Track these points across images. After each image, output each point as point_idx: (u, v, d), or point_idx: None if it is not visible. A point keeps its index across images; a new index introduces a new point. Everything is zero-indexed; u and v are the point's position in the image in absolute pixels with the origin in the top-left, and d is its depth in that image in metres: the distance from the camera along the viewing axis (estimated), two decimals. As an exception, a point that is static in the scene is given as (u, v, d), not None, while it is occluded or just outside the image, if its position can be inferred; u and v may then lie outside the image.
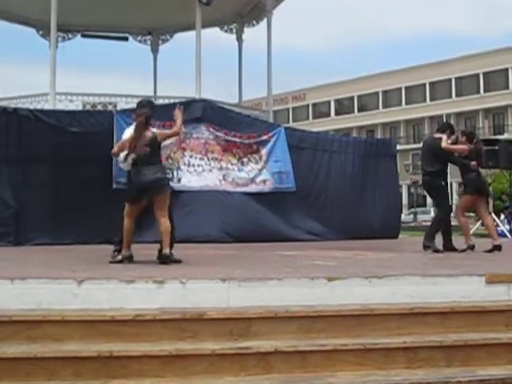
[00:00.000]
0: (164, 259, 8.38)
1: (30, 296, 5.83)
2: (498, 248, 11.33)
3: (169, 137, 9.07)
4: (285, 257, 10.34)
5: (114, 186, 12.99)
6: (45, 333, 5.44)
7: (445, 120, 61.27)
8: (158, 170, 8.64)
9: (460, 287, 6.51)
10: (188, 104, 15.71)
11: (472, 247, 11.46)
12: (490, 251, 11.23)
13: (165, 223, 8.54)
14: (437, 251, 11.17)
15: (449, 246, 11.58)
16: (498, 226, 22.45)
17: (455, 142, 11.79)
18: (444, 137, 11.63)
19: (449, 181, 12.12)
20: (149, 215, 8.82)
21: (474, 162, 11.42)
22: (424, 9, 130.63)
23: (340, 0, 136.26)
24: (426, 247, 11.37)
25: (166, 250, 8.45)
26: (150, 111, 8.85)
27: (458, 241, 11.87)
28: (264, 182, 16.16)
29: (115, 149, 8.98)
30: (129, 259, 8.64)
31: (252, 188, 15.94)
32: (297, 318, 5.81)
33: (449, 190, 11.96)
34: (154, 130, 9.22)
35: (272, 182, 16.25)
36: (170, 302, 5.92)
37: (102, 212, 13.11)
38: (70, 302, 5.82)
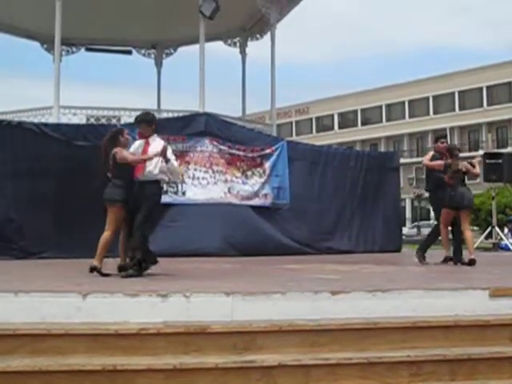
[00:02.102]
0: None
1: (34, 309, 5.84)
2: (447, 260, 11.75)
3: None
4: (288, 270, 10.35)
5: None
6: (49, 346, 5.45)
7: (448, 134, 61.47)
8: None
9: (464, 301, 6.51)
10: (192, 118, 15.77)
11: (446, 260, 11.58)
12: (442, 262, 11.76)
13: None
14: (424, 263, 11.90)
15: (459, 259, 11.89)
16: (501, 239, 22.45)
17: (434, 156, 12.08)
18: (429, 153, 12.37)
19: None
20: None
21: (445, 177, 11.54)
22: (425, 22, 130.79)
23: (343, 14, 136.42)
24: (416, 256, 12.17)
25: (94, 262, 8.83)
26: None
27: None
28: (266, 196, 16.18)
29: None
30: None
31: (256, 201, 15.95)
32: (301, 332, 5.82)
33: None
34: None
35: (272, 196, 16.28)
36: (173, 316, 5.92)
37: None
38: (74, 316, 5.83)
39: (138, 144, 9.35)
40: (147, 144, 9.19)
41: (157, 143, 9.21)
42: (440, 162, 11.76)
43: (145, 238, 8.90)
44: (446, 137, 13.31)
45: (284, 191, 16.38)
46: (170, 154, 9.25)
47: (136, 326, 5.65)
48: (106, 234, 8.91)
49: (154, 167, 9.03)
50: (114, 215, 8.88)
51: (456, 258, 11.67)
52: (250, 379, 5.36)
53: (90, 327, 5.65)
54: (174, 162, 9.36)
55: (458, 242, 11.84)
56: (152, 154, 8.98)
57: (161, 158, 9.01)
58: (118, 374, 5.24)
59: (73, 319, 5.80)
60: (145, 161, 9.02)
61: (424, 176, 13.01)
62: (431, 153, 12.14)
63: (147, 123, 9.30)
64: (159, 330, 5.63)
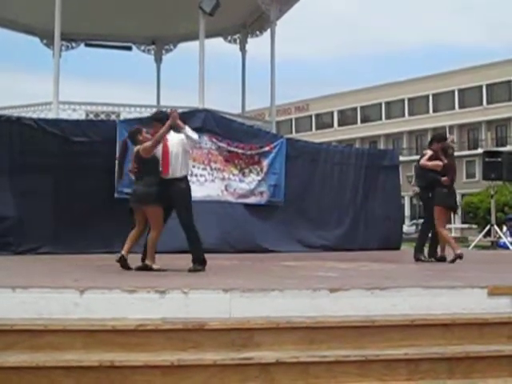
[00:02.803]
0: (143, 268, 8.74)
1: (31, 305, 5.82)
2: (459, 257, 11.55)
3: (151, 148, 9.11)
4: (286, 267, 10.34)
5: (116, 195, 12.98)
6: (46, 342, 5.44)
7: (448, 132, 61.34)
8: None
9: (462, 299, 6.50)
10: (190, 114, 15.71)
11: (460, 256, 11.52)
12: (452, 261, 11.54)
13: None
14: (427, 261, 11.97)
15: (433, 255, 12.23)
16: (500, 237, 22.46)
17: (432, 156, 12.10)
18: (428, 152, 12.22)
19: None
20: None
21: (444, 178, 11.57)
22: (425, 21, 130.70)
23: (343, 11, 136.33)
24: (417, 259, 12.08)
25: (147, 261, 8.81)
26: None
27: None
28: (262, 193, 16.13)
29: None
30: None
31: (251, 199, 15.92)
32: (299, 329, 5.81)
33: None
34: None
35: (268, 194, 16.23)
36: (171, 312, 5.91)
37: (104, 221, 13.13)
38: (72, 312, 5.82)
39: None
40: (165, 140, 9.24)
41: (173, 135, 9.36)
42: (438, 163, 11.77)
43: (198, 233, 9.18)
44: (445, 139, 13.19)
45: (279, 189, 16.33)
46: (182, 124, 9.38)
47: (134, 322, 5.64)
48: (153, 235, 8.89)
49: (180, 166, 9.31)
50: (155, 215, 8.89)
51: (431, 253, 12.22)
52: (247, 376, 5.35)
53: (88, 323, 5.64)
54: (188, 128, 9.50)
55: (435, 238, 12.18)
56: (167, 125, 9.06)
57: (181, 155, 9.28)
58: (116, 370, 5.22)
59: (70, 315, 5.79)
60: (164, 135, 9.06)
61: (418, 172, 13.01)
62: (429, 153, 12.11)
63: (159, 122, 9.35)
64: (157, 327, 5.62)
